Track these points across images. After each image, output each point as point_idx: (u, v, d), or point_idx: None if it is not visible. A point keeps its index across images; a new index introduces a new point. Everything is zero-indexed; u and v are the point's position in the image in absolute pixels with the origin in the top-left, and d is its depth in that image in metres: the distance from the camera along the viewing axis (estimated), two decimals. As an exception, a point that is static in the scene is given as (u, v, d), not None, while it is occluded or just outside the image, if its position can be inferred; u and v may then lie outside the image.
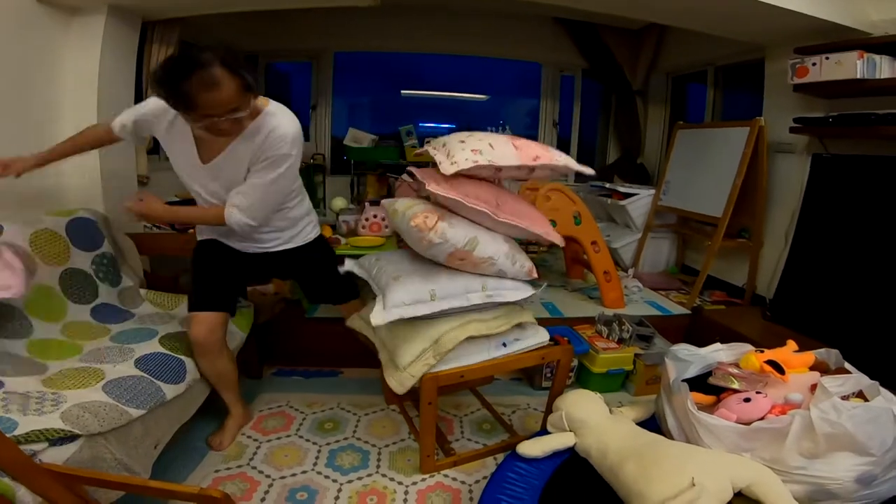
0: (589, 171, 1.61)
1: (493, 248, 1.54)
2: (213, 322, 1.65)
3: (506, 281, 1.64)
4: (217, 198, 1.62)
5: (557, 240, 1.67)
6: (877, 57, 2.10)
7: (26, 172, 1.67)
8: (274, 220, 1.74)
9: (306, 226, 1.87)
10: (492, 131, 4.34)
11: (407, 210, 1.55)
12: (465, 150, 1.45)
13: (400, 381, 1.53)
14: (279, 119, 1.50)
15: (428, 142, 1.77)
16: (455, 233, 1.47)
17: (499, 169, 1.49)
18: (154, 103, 1.56)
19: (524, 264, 1.64)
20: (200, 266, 1.78)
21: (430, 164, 1.60)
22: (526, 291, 1.66)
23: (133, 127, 1.64)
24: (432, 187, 1.45)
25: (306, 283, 2.03)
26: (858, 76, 2.09)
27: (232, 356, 1.79)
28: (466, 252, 1.50)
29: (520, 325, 1.68)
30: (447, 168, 1.44)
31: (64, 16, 2.09)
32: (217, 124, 1.37)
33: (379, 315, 1.50)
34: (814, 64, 2.28)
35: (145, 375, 1.46)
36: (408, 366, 1.53)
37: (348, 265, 1.80)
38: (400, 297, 1.51)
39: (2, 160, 1.62)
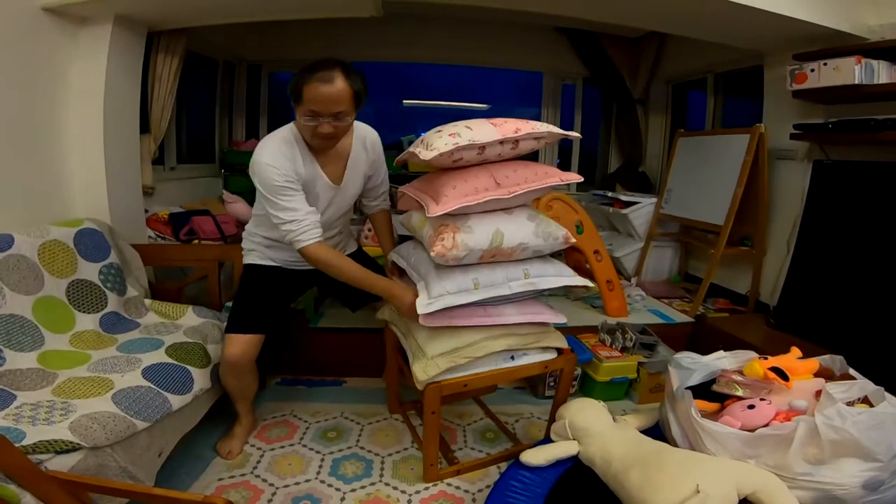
0: (575, 135, 1.59)
1: (520, 233, 1.52)
2: (248, 343, 1.67)
3: (547, 266, 1.62)
4: (341, 213, 1.83)
5: (574, 177, 1.61)
6: (874, 62, 2.11)
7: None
8: (347, 224, 1.95)
9: (351, 236, 2.06)
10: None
11: (421, 228, 1.58)
12: (443, 136, 1.41)
13: (423, 369, 1.51)
14: (364, 126, 1.78)
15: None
16: (477, 237, 1.46)
17: (482, 148, 1.44)
18: (276, 163, 1.54)
19: (557, 234, 1.59)
20: (247, 290, 1.81)
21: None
22: (568, 278, 1.62)
23: (309, 206, 1.61)
24: (433, 211, 1.43)
25: (349, 291, 1.97)
26: (856, 82, 2.10)
27: (257, 372, 1.80)
28: (496, 249, 1.49)
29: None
30: (426, 155, 1.40)
31: (71, 26, 2.11)
32: (319, 126, 1.49)
33: (424, 305, 1.47)
34: (812, 70, 2.29)
35: (153, 386, 1.47)
36: (437, 356, 1.52)
37: (391, 256, 1.86)
38: (444, 285, 1.49)
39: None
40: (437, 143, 1.40)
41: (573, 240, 1.63)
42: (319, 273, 1.69)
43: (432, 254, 1.45)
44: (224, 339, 1.71)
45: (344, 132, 1.59)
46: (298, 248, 1.58)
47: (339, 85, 1.45)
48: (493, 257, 1.53)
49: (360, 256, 1.99)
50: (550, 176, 1.56)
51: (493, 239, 1.48)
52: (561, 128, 1.53)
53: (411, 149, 1.52)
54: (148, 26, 2.43)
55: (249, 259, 1.86)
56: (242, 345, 1.66)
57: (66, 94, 2.14)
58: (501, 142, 1.45)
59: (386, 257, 1.94)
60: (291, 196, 1.56)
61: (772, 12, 2.16)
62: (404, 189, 1.71)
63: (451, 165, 1.50)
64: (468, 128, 1.43)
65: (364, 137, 1.76)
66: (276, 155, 1.55)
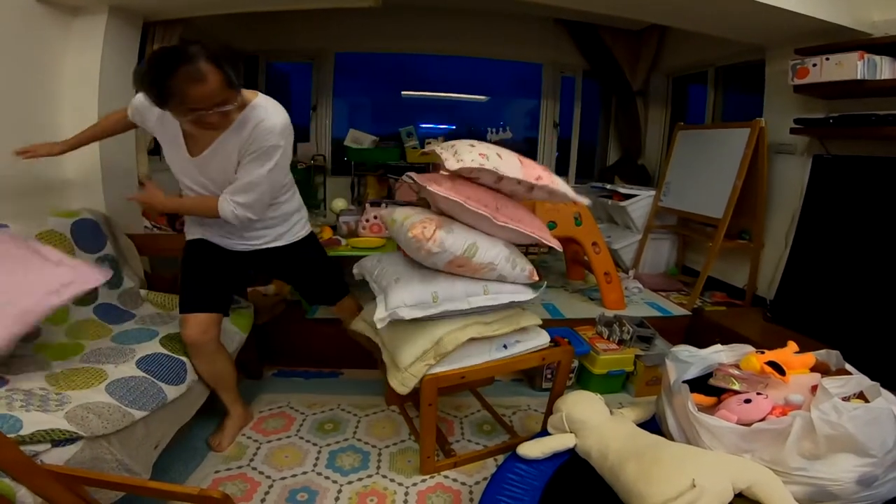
0: (585, 201, 1.65)
1: (493, 252, 1.54)
2: (204, 323, 1.64)
3: (507, 285, 1.64)
4: (206, 192, 1.62)
5: (556, 244, 1.68)
6: (877, 58, 2.10)
7: (51, 156, 1.78)
8: (265, 215, 1.71)
9: (297, 222, 1.84)
10: (492, 131, 4.34)
11: (405, 220, 1.55)
12: (474, 152, 1.45)
13: (401, 381, 1.53)
14: (266, 110, 1.49)
15: (429, 142, 1.75)
16: (454, 240, 1.47)
17: (500, 178, 1.49)
18: (138, 104, 1.59)
19: (524, 267, 1.63)
20: (189, 267, 1.77)
21: (431, 166, 1.60)
22: (527, 294, 1.66)
23: (135, 113, 1.65)
24: (433, 188, 1.45)
25: (298, 281, 2.00)
26: (859, 77, 2.09)
27: (229, 357, 1.79)
28: (466, 259, 1.50)
29: (521, 328, 1.68)
30: (452, 164, 1.42)
31: (65, 16, 2.09)
32: (204, 117, 1.37)
33: (381, 314, 1.50)
34: (814, 65, 2.28)
35: (147, 376, 1.46)
36: (409, 366, 1.53)
37: (355, 268, 1.83)
38: (402, 297, 1.51)
39: (30, 147, 1.70)
40: (466, 156, 1.43)
41: (536, 277, 1.67)
42: (259, 255, 1.76)
43: (409, 234, 1.46)
44: (180, 320, 1.67)
45: (233, 114, 1.44)
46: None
47: (212, 80, 1.30)
48: (460, 268, 1.54)
49: (308, 244, 1.90)
50: (542, 231, 1.63)
51: (467, 248, 1.49)
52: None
53: (439, 150, 1.54)
54: (143, 17, 2.40)
55: (189, 235, 1.81)
56: (197, 324, 1.62)
57: (62, 84, 2.12)
58: (519, 181, 1.50)
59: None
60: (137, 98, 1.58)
61: (774, 6, 2.15)
62: (413, 175, 1.69)
63: (468, 177, 1.53)
64: (499, 155, 1.48)
65: (249, 119, 1.48)
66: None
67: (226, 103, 1.37)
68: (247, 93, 1.48)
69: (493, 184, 1.54)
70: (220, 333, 1.71)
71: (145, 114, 1.59)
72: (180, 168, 1.62)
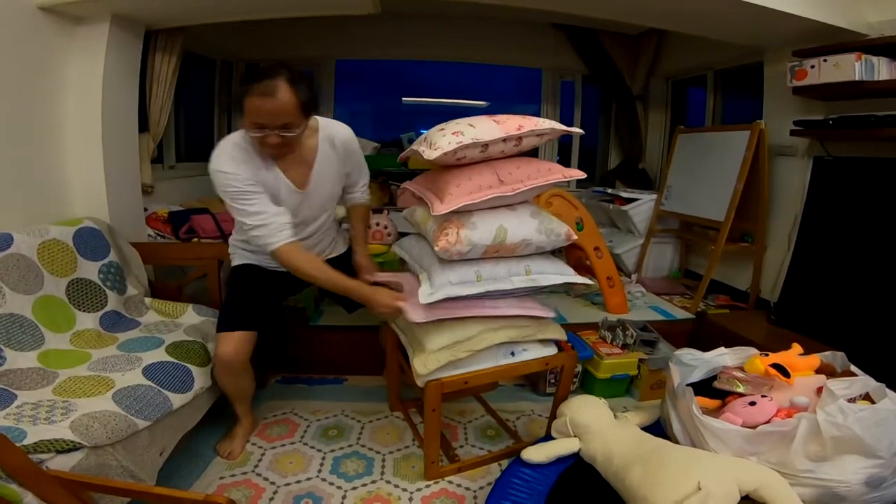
0: (577, 130, 1.59)
1: (523, 229, 1.52)
2: (240, 341, 1.65)
3: (548, 264, 1.62)
4: (313, 216, 1.78)
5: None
6: (874, 58, 2.11)
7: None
8: (325, 225, 1.87)
9: (341, 232, 2.02)
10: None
11: (424, 223, 1.59)
12: (446, 134, 1.40)
13: (423, 363, 1.51)
14: (335, 126, 1.73)
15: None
16: (480, 233, 1.46)
17: (485, 146, 1.42)
18: (233, 170, 1.51)
19: (559, 232, 1.59)
20: (236, 289, 1.81)
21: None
22: (568, 276, 1.62)
23: (247, 189, 1.56)
24: (437, 209, 1.43)
25: None
26: (857, 78, 2.09)
27: (252, 372, 1.79)
28: (499, 244, 1.49)
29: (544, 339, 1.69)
30: (430, 154, 1.39)
31: (68, 24, 2.10)
32: (267, 137, 1.44)
33: (427, 294, 1.47)
34: (812, 66, 2.28)
35: (153, 385, 1.47)
36: (437, 350, 1.52)
37: (395, 247, 1.86)
38: (447, 276, 1.49)
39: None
40: (441, 141, 1.39)
41: (575, 237, 1.63)
42: None
43: (436, 248, 1.45)
44: (216, 338, 1.70)
45: (294, 141, 1.53)
46: (269, 251, 1.58)
47: (282, 97, 1.39)
48: (497, 253, 1.53)
49: (349, 258, 1.96)
50: (553, 172, 1.56)
51: (496, 235, 1.48)
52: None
53: (414, 147, 1.51)
54: (145, 25, 2.42)
55: (236, 261, 1.86)
56: (235, 342, 1.64)
57: (65, 93, 2.14)
58: (504, 139, 1.44)
59: (356, 249, 1.91)
60: (255, 198, 1.53)
61: (771, 9, 2.16)
62: (407, 185, 1.71)
63: (455, 163, 1.50)
64: (471, 125, 1.42)
65: (332, 137, 1.70)
66: (232, 161, 1.52)
67: (290, 128, 1.44)
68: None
69: (481, 153, 1.47)
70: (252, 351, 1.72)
71: (248, 176, 1.54)
72: (294, 205, 1.68)
